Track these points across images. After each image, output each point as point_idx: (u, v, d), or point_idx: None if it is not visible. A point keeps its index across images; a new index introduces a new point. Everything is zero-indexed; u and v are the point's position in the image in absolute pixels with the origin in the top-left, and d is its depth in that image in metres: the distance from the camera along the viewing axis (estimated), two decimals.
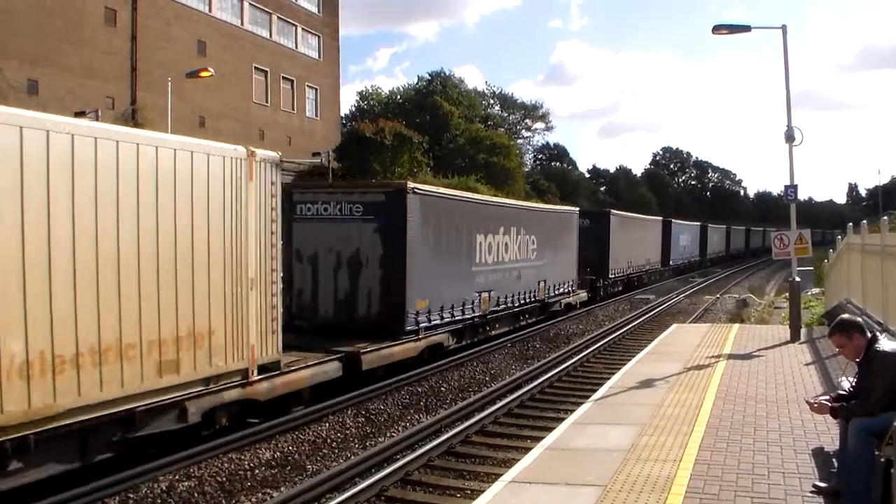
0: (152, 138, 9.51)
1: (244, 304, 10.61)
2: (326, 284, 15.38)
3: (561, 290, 25.18)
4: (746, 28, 15.77)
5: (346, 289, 15.34)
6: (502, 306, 20.16)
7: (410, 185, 15.75)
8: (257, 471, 9.69)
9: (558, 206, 30.98)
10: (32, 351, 7.69)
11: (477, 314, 18.57)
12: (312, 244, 15.28)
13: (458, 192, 19.96)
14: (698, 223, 61.11)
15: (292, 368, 11.83)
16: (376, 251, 15.17)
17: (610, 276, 33.28)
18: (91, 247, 8.32)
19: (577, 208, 30.91)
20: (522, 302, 21.62)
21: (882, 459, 5.56)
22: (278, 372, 11.44)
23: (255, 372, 10.89)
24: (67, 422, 8.16)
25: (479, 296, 18.61)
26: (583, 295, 28.06)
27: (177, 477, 9.23)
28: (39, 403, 7.78)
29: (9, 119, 7.59)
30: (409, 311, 15.32)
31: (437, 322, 16.53)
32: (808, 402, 6.79)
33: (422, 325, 15.82)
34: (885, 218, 14.42)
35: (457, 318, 17.49)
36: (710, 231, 63.45)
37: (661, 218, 48.98)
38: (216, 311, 10.08)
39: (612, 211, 36.04)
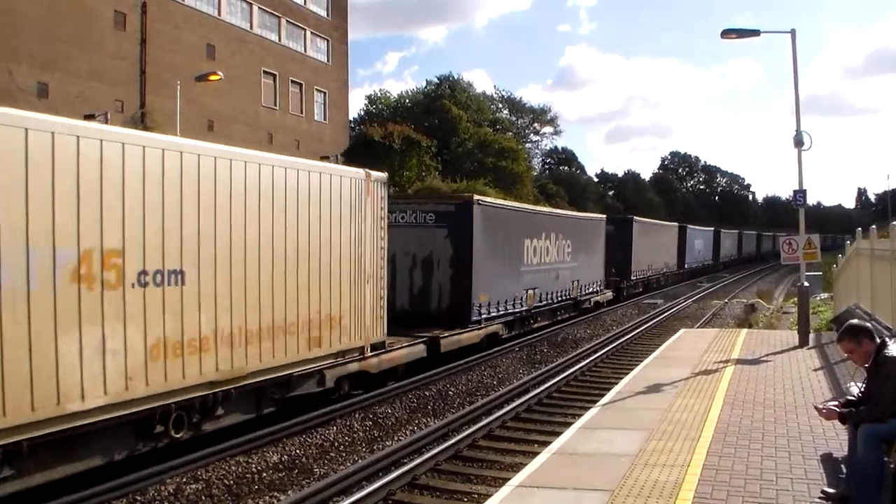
0: (313, 165, 12.73)
1: (362, 294, 13.50)
2: (403, 281, 17.70)
3: (591, 289, 28.06)
4: (755, 32, 15.77)
5: (420, 285, 18.03)
6: (544, 302, 23.02)
7: (476, 197, 18.88)
8: (265, 474, 9.71)
9: (589, 214, 34.01)
10: (235, 326, 10.38)
11: (524, 308, 21.37)
12: (391, 247, 16.70)
13: (510, 203, 23.86)
14: (711, 228, 62.05)
15: (394, 348, 14.69)
16: (447, 253, 17.92)
17: (632, 277, 35.96)
18: (269, 250, 11.06)
19: (605, 216, 33.31)
20: (560, 299, 24.53)
21: (891, 465, 5.54)
22: (384, 350, 14.28)
23: (369, 349, 13.72)
24: (251, 381, 10.83)
25: (526, 293, 21.44)
26: (609, 294, 30.94)
27: (184, 480, 9.26)
28: (236, 366, 10.46)
29: (253, 158, 10.99)
30: (473, 304, 18.08)
31: (494, 314, 19.31)
32: (816, 408, 6.76)
33: (483, 316, 18.59)
34: (895, 223, 14.33)
35: (509, 311, 20.18)
36: (723, 236, 64.40)
37: (677, 224, 50.64)
38: (345, 300, 12.97)
39: (635, 217, 38.79)
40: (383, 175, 14.41)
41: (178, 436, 9.76)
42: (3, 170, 7.59)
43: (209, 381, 10.07)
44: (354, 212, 13.24)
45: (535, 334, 22.20)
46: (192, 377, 9.75)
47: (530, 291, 21.66)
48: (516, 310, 20.71)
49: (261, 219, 10.85)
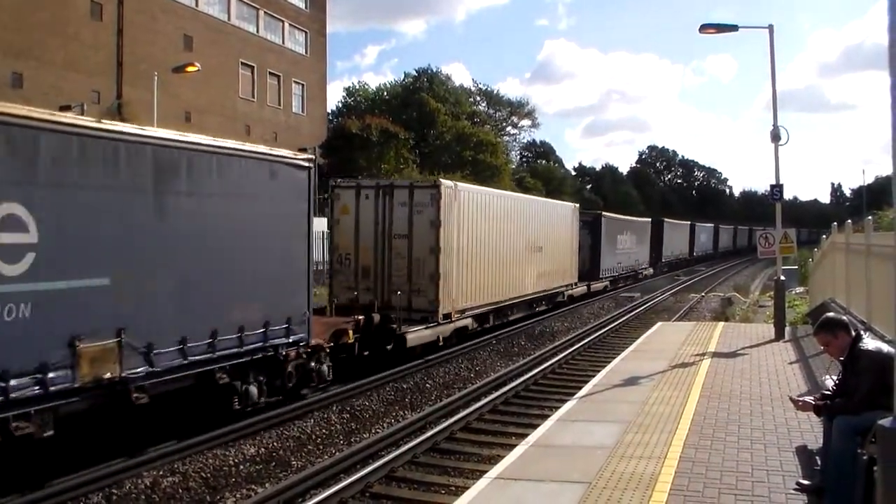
0: (546, 202, 28.54)
1: (573, 258, 28.73)
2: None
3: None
4: (734, 27, 15.82)
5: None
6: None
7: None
8: (242, 467, 9.66)
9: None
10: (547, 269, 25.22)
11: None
12: None
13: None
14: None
15: (577, 285, 29.68)
16: None
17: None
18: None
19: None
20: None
21: (865, 457, 5.57)
22: (574, 285, 28.95)
23: (573, 286, 28.83)
24: (526, 295, 23.18)
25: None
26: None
27: (161, 473, 9.19)
28: (545, 287, 25.19)
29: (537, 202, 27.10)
30: None
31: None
32: (792, 400, 6.83)
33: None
34: (870, 218, 14.49)
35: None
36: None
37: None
38: (571, 262, 28.81)
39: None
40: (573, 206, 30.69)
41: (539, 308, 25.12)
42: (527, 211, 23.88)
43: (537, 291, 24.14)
44: (570, 224, 28.77)
45: (512, 327, 22.06)
46: (539, 289, 24.30)
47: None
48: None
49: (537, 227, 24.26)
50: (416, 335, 16.23)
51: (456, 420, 11.49)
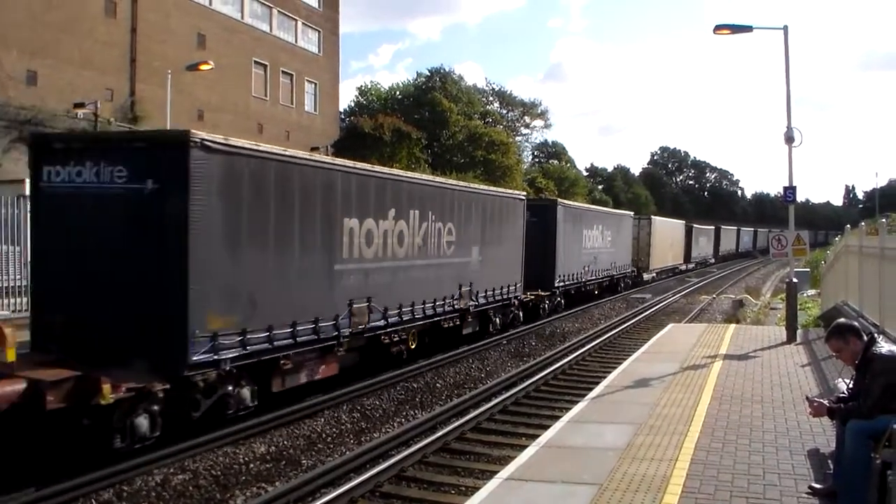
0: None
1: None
2: None
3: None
4: (748, 28, 15.69)
5: None
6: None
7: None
8: (252, 465, 9.66)
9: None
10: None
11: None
12: None
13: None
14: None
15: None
16: None
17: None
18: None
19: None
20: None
21: (878, 462, 5.52)
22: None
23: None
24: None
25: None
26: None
27: (171, 470, 9.21)
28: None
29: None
30: None
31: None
32: (808, 399, 6.77)
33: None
34: (884, 220, 14.33)
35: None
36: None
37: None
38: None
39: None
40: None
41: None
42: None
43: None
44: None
45: (522, 328, 21.68)
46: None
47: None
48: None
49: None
50: None
51: (466, 420, 11.47)
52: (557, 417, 10.15)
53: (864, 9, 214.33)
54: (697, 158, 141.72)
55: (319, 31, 53.52)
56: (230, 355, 10.26)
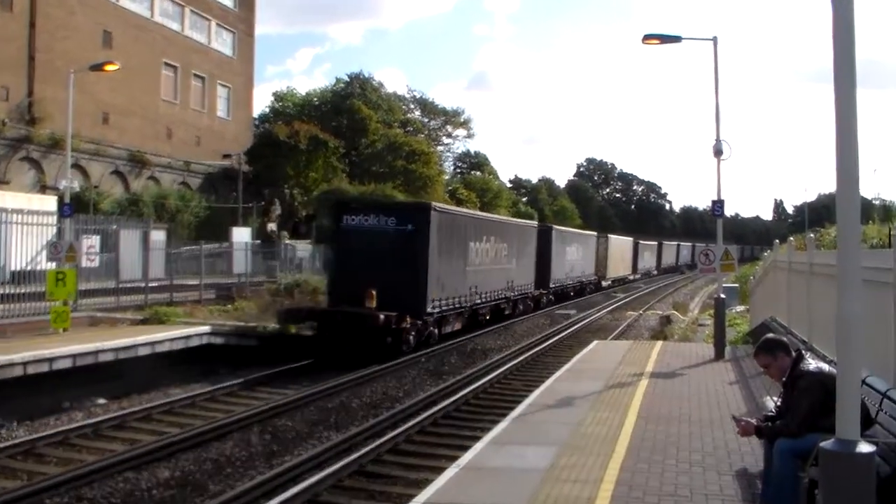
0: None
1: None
2: None
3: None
4: (677, 38, 15.58)
5: None
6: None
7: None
8: (155, 491, 9.12)
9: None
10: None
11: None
12: None
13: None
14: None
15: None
16: None
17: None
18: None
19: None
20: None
21: (806, 481, 5.47)
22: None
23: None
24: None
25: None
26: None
27: (66, 500, 8.58)
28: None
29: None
30: None
31: None
32: (734, 419, 6.67)
33: None
34: (812, 236, 14.45)
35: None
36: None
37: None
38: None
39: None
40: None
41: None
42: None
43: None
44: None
45: (443, 344, 21.36)
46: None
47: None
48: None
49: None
50: None
51: (383, 441, 11.02)
52: (478, 438, 9.79)
53: (794, 23, 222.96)
54: (624, 171, 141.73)
55: (234, 33, 52.27)
56: (437, 310, 20.95)
